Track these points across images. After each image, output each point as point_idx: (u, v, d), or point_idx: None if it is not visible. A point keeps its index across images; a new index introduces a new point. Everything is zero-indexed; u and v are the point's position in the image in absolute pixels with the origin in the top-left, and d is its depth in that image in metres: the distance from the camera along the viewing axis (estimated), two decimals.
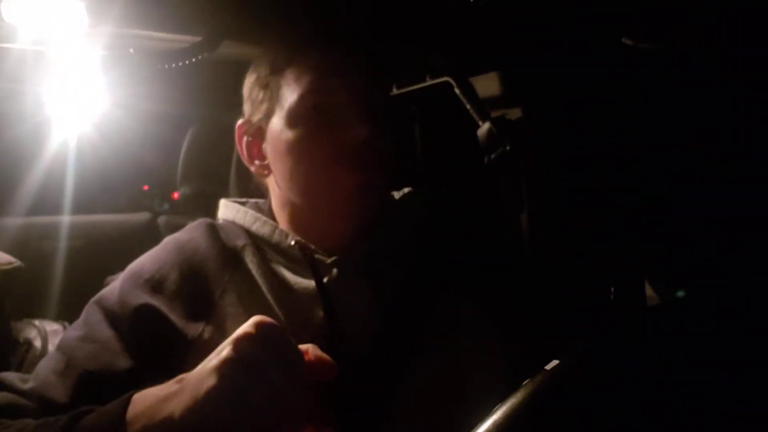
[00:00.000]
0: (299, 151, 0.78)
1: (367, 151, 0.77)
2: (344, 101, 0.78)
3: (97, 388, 0.71)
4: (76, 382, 0.72)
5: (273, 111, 0.81)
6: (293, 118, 0.79)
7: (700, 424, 0.53)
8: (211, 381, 0.54)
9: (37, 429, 0.64)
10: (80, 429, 0.60)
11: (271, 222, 0.83)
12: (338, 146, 0.77)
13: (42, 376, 0.74)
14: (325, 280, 0.78)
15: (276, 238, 0.81)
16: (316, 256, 0.79)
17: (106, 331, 0.75)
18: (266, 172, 0.85)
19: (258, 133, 0.84)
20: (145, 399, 0.59)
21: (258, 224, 0.83)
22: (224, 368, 0.54)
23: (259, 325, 0.57)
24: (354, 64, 0.80)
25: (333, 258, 0.79)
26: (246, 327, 0.57)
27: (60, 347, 0.77)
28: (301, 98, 0.78)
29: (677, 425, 0.52)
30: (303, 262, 0.78)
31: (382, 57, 0.85)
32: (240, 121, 0.86)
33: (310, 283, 0.77)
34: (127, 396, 0.60)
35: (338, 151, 0.77)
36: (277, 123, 0.81)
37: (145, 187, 2.39)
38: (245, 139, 0.86)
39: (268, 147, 0.83)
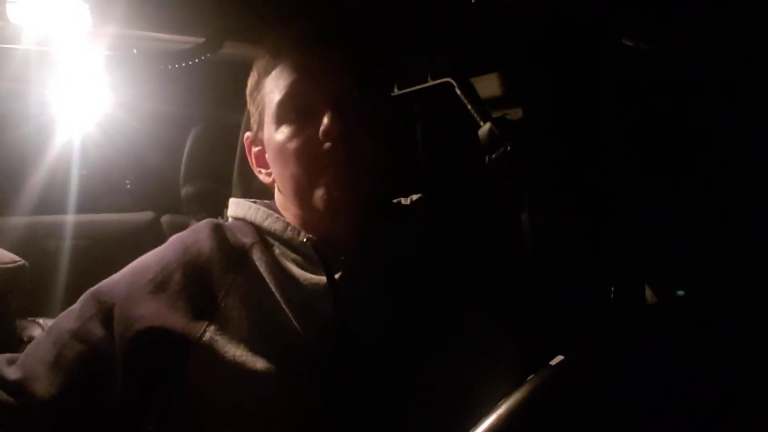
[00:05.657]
0: (285, 153, 0.79)
1: (340, 148, 0.77)
2: (318, 101, 0.78)
3: (84, 390, 0.73)
4: (63, 381, 0.73)
5: (264, 117, 0.82)
6: (277, 122, 0.80)
7: (702, 423, 0.53)
8: None
9: None
10: None
11: (283, 219, 0.83)
12: (313, 145, 0.77)
13: (29, 366, 0.75)
14: (336, 276, 0.78)
15: (288, 234, 0.81)
16: (328, 253, 0.80)
17: (98, 331, 0.75)
18: (270, 180, 0.86)
19: (261, 142, 0.85)
20: None
21: (270, 220, 0.83)
22: None
23: None
24: (327, 64, 0.80)
25: (344, 256, 0.80)
26: None
27: (52, 334, 0.77)
28: (282, 101, 0.79)
29: (680, 422, 0.53)
30: (314, 258, 0.79)
31: (368, 56, 0.84)
32: (247, 134, 0.87)
33: (320, 279, 0.78)
34: None
35: (313, 149, 0.77)
36: (267, 128, 0.82)
37: (128, 185, 2.44)
38: (254, 150, 0.87)
39: (267, 154, 0.84)
